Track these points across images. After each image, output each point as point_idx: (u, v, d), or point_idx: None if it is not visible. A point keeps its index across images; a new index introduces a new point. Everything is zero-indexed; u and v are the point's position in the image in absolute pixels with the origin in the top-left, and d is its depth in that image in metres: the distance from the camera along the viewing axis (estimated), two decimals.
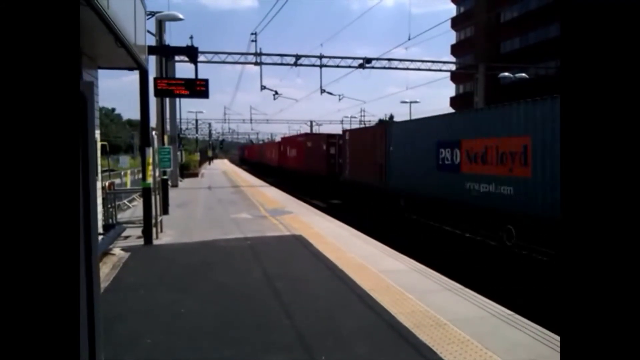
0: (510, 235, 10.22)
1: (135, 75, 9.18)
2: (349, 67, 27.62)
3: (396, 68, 27.99)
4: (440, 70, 28.97)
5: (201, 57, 23.99)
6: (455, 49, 59.03)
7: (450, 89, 60.93)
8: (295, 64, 26.58)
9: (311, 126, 73.04)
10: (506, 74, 27.36)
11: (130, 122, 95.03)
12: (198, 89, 12.96)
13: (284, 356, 4.09)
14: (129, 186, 19.53)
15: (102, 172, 10.99)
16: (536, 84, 37.25)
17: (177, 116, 26.14)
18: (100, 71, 9.22)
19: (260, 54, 26.08)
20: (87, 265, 1.65)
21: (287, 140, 41.11)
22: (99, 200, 9.24)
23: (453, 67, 35.58)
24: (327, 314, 5.12)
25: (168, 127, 20.14)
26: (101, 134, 10.82)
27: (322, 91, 29.55)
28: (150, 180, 9.37)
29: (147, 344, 4.37)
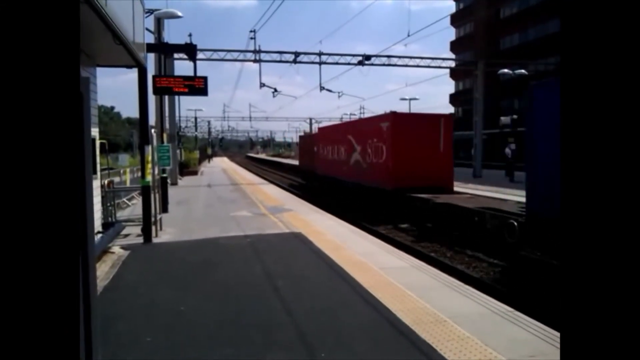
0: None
1: (134, 73, 9.16)
2: (348, 64, 27.59)
3: (395, 65, 27.94)
4: (439, 67, 28.90)
5: (200, 55, 23.96)
6: (454, 46, 58.97)
7: (451, 86, 60.88)
8: (295, 62, 26.54)
9: (310, 123, 73.06)
10: (505, 70, 27.33)
11: (129, 120, 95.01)
12: (197, 86, 12.97)
13: (284, 354, 4.09)
14: (128, 184, 19.51)
15: (102, 170, 10.98)
16: (535, 80, 37.22)
17: (176, 114, 26.14)
18: (98, 69, 9.20)
19: (259, 52, 26.03)
20: (84, 264, 1.64)
21: None
22: (98, 199, 9.23)
23: (452, 64, 35.49)
24: (327, 311, 5.12)
25: (167, 125, 20.10)
26: (100, 132, 10.80)
27: (322, 88, 29.55)
28: (149, 178, 9.35)
29: (147, 342, 4.36)
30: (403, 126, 15.90)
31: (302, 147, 34.49)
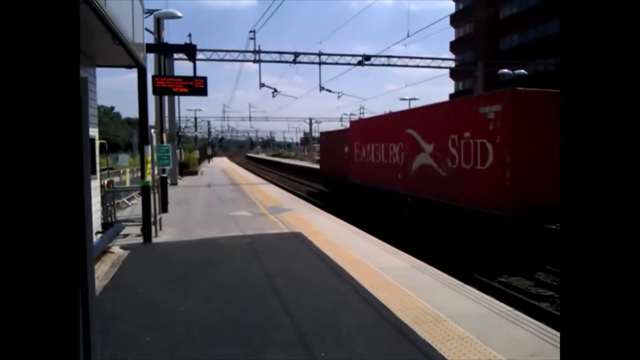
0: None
1: (133, 74, 9.16)
2: (348, 64, 27.67)
3: (395, 65, 28.02)
4: (439, 67, 28.95)
5: (200, 55, 24.00)
6: (454, 46, 58.96)
7: (451, 86, 60.85)
8: (294, 62, 26.59)
9: (310, 123, 73.10)
10: (505, 70, 27.35)
11: (129, 121, 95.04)
12: (196, 86, 12.99)
13: (284, 354, 4.08)
14: (128, 184, 19.51)
15: (101, 170, 10.97)
16: (535, 81, 37.23)
17: (176, 114, 26.15)
18: (98, 69, 9.20)
19: (259, 52, 26.09)
20: (83, 264, 1.64)
21: None
22: (98, 199, 9.22)
23: (452, 64, 35.52)
24: (327, 311, 5.11)
25: (167, 125, 20.12)
26: (100, 132, 10.80)
27: (321, 89, 29.58)
28: (149, 178, 9.35)
29: (146, 342, 4.36)
30: (525, 112, 10.00)
31: (325, 147, 26.67)
